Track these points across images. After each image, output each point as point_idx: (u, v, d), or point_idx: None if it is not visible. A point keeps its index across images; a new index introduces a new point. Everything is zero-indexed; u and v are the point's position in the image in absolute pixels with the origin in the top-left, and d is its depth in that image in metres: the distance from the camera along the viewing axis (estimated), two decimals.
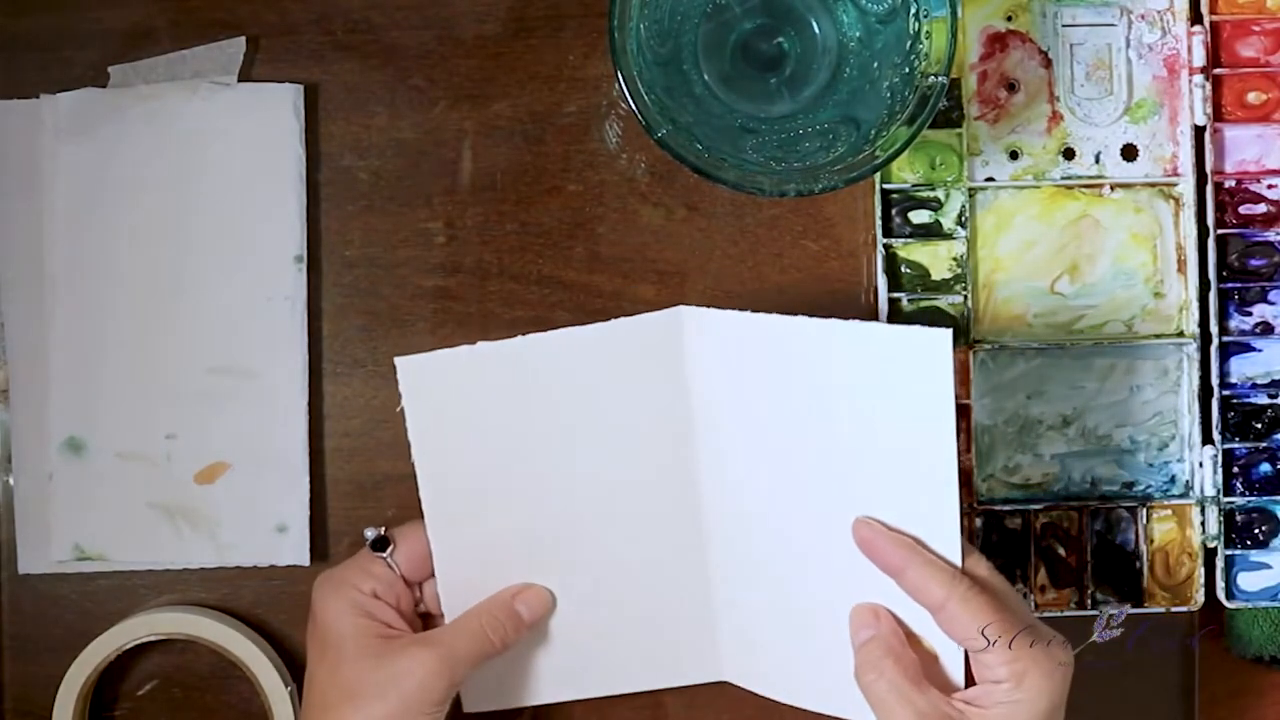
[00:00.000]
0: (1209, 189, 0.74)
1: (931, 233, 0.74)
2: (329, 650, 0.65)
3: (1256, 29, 0.75)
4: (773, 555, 0.67)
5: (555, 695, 0.71)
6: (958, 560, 0.63)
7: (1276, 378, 0.75)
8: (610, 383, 0.65)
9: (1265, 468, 0.75)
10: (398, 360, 0.64)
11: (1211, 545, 0.75)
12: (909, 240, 0.74)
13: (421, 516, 0.67)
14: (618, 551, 0.68)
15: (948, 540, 0.63)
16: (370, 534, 0.68)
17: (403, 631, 0.66)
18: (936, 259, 0.74)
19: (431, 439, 0.65)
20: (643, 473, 0.67)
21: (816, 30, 0.68)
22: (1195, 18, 0.75)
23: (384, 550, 0.67)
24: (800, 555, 0.67)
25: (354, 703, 0.64)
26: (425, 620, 0.69)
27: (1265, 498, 0.75)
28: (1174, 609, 0.75)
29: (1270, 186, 0.75)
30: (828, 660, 0.67)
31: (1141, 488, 0.76)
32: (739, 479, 0.67)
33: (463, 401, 0.65)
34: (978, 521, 0.74)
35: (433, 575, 0.68)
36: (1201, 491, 0.75)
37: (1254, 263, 0.75)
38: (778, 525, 0.67)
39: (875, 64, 0.67)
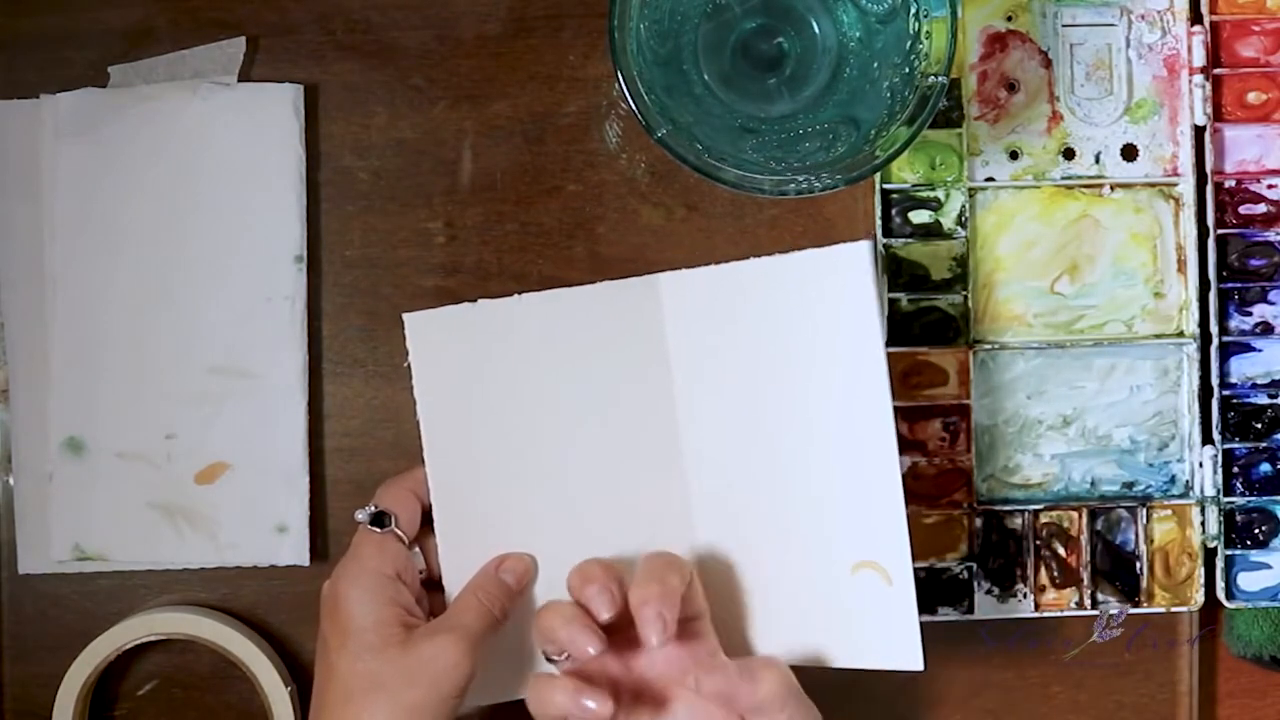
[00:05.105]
0: (1209, 189, 0.74)
1: (931, 233, 0.74)
2: (350, 640, 0.65)
3: (1256, 29, 0.75)
4: (752, 507, 0.70)
5: None
6: (898, 482, 0.66)
7: (1276, 378, 0.75)
8: (598, 339, 0.70)
9: (1265, 468, 0.75)
10: (406, 316, 0.70)
11: (1211, 545, 0.75)
12: (909, 240, 0.74)
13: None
14: (606, 508, 0.71)
15: (884, 454, 0.67)
16: (363, 515, 0.68)
17: (420, 619, 0.67)
18: (936, 259, 0.74)
19: (435, 393, 0.70)
20: (628, 427, 0.70)
21: (816, 30, 0.68)
22: (1195, 18, 0.75)
23: (388, 524, 0.68)
24: (775, 498, 0.69)
25: (381, 692, 0.64)
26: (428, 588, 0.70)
27: (1265, 498, 0.75)
28: (1174, 609, 0.75)
29: (1270, 186, 0.75)
30: (803, 609, 0.69)
31: (1141, 488, 0.76)
32: (716, 430, 0.70)
33: (465, 356, 0.70)
34: (978, 521, 0.74)
35: (426, 530, 0.70)
36: (1201, 491, 0.75)
37: (1254, 263, 0.75)
38: (755, 475, 0.70)
39: (875, 64, 0.67)
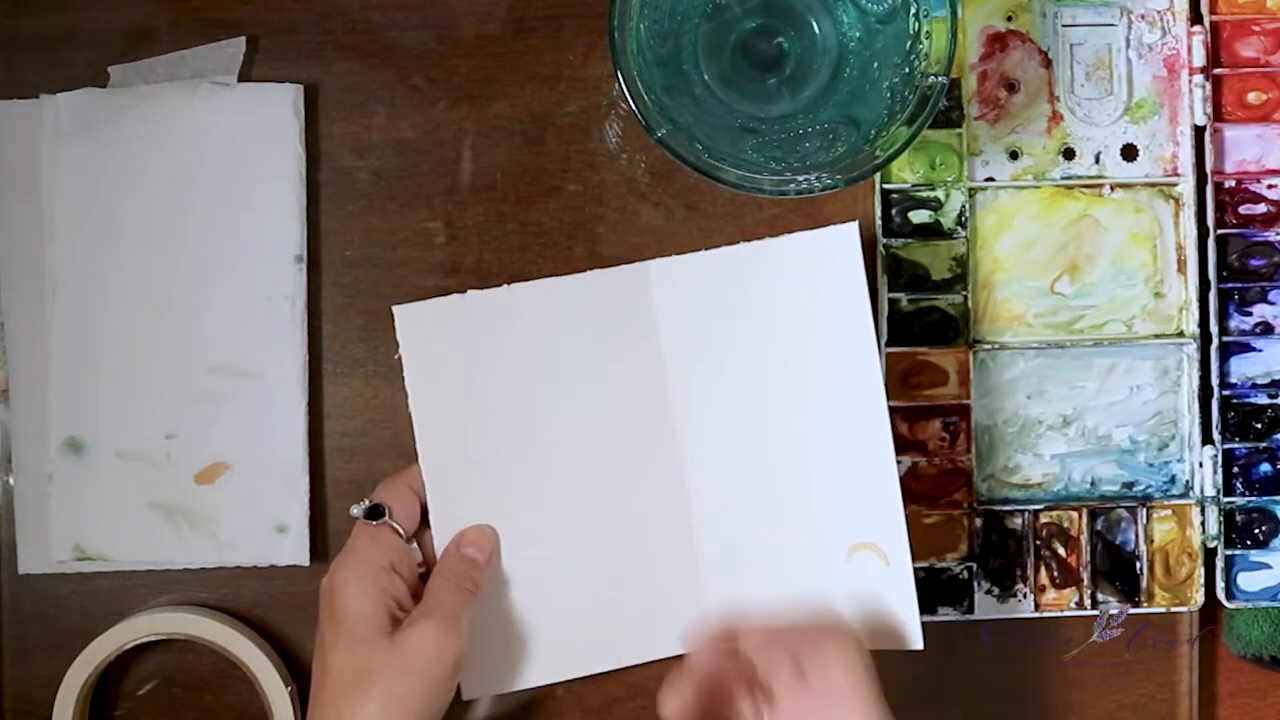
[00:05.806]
0: (1209, 189, 0.74)
1: (931, 233, 0.74)
2: (344, 632, 0.66)
3: (1256, 29, 0.75)
4: (748, 491, 0.70)
5: (550, 675, 0.72)
6: (892, 462, 0.69)
7: (1276, 378, 0.75)
8: (590, 327, 0.71)
9: (1265, 468, 0.75)
10: (396, 308, 0.70)
11: (1211, 545, 0.75)
12: (909, 240, 0.74)
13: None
14: (602, 498, 0.71)
15: (878, 434, 0.69)
16: (358, 509, 0.69)
17: (410, 611, 0.68)
18: (936, 259, 0.74)
19: (427, 385, 0.70)
20: (622, 416, 0.71)
21: (816, 30, 0.68)
22: (1195, 18, 0.75)
23: (384, 516, 0.68)
24: (771, 483, 0.70)
25: (373, 684, 0.65)
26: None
27: (1265, 498, 0.75)
28: (1174, 609, 0.75)
29: (1270, 186, 0.75)
30: (800, 592, 0.70)
31: (1141, 488, 0.76)
32: (710, 417, 0.71)
33: (456, 347, 0.70)
34: (978, 522, 0.74)
35: (424, 525, 0.70)
36: (1201, 491, 0.75)
37: (1254, 263, 0.75)
38: (750, 459, 0.70)
39: (875, 64, 0.67)
